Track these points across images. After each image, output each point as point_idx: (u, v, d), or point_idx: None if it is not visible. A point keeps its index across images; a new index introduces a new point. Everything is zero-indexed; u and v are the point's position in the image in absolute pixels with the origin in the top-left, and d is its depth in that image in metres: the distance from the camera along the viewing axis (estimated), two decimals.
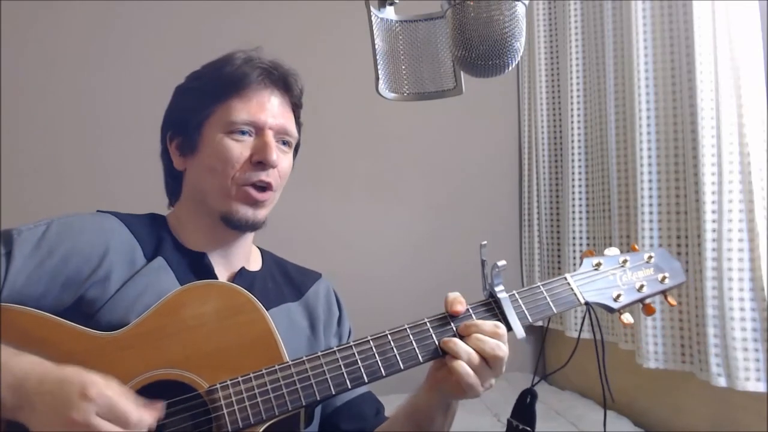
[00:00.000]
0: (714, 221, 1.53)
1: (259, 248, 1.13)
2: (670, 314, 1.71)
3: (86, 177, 2.17)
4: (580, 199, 2.18)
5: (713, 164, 1.54)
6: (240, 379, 0.82)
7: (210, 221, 0.99)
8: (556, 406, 2.10)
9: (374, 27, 0.89)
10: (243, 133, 0.97)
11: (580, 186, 2.18)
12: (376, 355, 0.86)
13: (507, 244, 2.58)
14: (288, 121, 1.02)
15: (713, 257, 1.53)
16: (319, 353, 0.85)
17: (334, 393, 0.84)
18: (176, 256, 0.97)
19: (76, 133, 2.19)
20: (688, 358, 1.68)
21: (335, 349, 0.86)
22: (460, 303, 0.90)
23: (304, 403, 0.82)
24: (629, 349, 1.84)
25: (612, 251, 1.01)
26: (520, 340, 0.89)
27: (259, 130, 0.98)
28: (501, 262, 0.89)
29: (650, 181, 1.75)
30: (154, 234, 0.99)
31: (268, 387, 0.82)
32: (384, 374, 0.85)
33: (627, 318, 0.97)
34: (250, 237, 1.06)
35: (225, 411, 0.80)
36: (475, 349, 0.84)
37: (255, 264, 1.09)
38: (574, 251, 2.18)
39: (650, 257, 1.01)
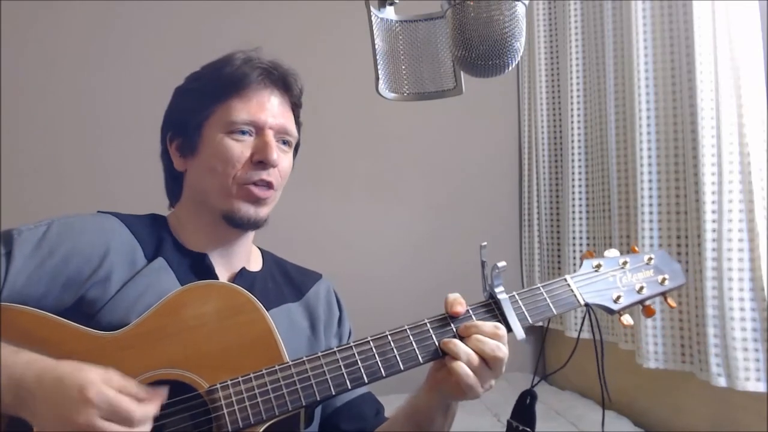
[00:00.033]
0: (714, 221, 1.53)
1: (259, 248, 1.13)
2: (670, 314, 1.71)
3: (86, 177, 2.17)
4: (580, 199, 2.18)
5: (713, 164, 1.54)
6: (240, 379, 0.82)
7: (211, 221, 0.99)
8: (556, 406, 2.10)
9: (374, 27, 0.89)
10: (243, 133, 0.97)
11: (580, 186, 2.18)
12: (376, 355, 0.86)
13: (507, 245, 2.58)
14: (288, 121, 1.02)
15: (713, 257, 1.53)
16: (320, 353, 0.85)
17: (334, 393, 0.84)
18: (177, 257, 0.97)
19: (76, 133, 2.19)
20: (688, 358, 1.68)
21: (335, 349, 0.86)
22: (460, 304, 0.90)
23: (304, 404, 0.83)
24: (629, 349, 1.84)
25: (612, 253, 1.01)
26: (520, 341, 0.89)
27: (259, 129, 0.98)
28: (501, 264, 0.89)
29: (650, 181, 1.75)
30: (154, 234, 0.99)
31: (269, 387, 0.82)
32: (384, 375, 0.85)
33: (627, 319, 0.97)
34: (250, 237, 1.06)
35: (225, 411, 0.80)
36: (475, 350, 0.84)
37: (255, 264, 1.09)
38: (574, 251, 2.18)
39: (650, 259, 1.01)
